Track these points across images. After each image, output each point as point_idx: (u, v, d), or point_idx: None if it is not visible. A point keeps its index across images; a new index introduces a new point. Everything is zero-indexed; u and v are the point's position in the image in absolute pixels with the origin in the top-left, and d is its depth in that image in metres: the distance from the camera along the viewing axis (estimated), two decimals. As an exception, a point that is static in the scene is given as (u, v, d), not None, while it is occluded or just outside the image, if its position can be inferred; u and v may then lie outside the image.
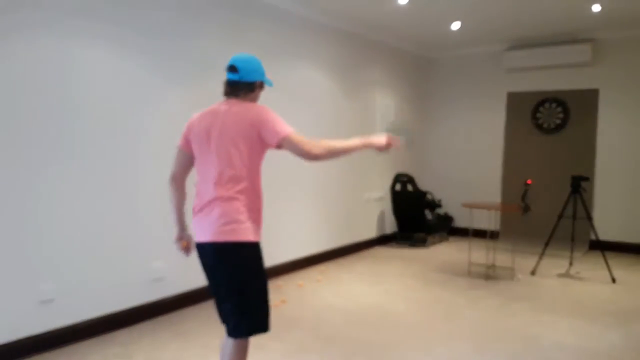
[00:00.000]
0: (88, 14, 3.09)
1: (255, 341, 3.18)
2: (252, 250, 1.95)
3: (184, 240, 2.33)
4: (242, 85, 2.03)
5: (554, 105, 6.18)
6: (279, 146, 1.92)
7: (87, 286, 3.17)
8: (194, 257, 3.99)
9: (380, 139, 2.03)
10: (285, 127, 1.91)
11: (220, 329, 3.35)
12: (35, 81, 2.86)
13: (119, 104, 3.30)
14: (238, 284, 1.96)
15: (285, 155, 5.04)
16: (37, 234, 2.91)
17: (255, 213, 1.99)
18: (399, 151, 2.01)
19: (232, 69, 2.03)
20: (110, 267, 3.30)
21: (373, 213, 6.17)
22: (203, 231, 1.98)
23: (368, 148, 2.03)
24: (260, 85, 2.12)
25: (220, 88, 4.15)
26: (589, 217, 4.76)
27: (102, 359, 2.87)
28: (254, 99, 2.11)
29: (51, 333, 2.98)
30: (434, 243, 6.35)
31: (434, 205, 6.52)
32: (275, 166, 4.65)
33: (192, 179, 2.20)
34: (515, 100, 6.49)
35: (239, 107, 1.99)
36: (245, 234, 1.92)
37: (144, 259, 3.51)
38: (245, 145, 1.92)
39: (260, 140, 1.94)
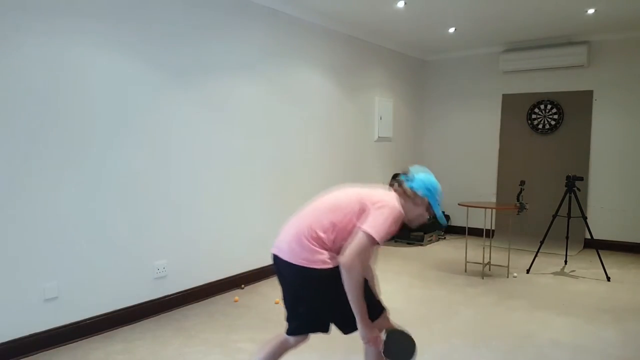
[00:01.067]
0: (91, 16, 3.12)
1: (257, 336, 3.24)
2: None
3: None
4: (412, 191, 2.08)
5: (549, 106, 6.26)
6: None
7: (90, 284, 3.21)
8: (194, 255, 4.05)
9: (372, 334, 1.94)
10: (375, 230, 1.91)
11: (221, 325, 3.40)
12: (37, 82, 2.89)
13: (121, 105, 3.34)
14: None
15: (286, 156, 5.11)
16: (41, 233, 2.94)
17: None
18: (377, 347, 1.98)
19: (406, 173, 2.14)
20: (113, 265, 3.34)
21: (371, 212, 6.22)
22: None
23: (360, 326, 1.93)
24: (423, 204, 2.09)
25: (221, 90, 4.22)
26: (584, 216, 4.83)
27: (105, 356, 2.90)
28: (410, 210, 2.09)
29: (55, 330, 3.02)
30: (431, 241, 6.41)
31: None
32: (277, 167, 4.70)
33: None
34: (510, 102, 6.56)
35: (384, 195, 2.03)
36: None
37: (146, 257, 3.55)
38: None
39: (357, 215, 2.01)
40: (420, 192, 2.07)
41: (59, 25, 2.96)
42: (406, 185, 2.10)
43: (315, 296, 2.02)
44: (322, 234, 1.99)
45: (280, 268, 2.11)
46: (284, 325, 3.41)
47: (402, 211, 2.02)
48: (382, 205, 1.97)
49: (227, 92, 4.12)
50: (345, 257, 1.88)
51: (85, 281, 3.18)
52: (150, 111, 3.52)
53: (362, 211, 1.98)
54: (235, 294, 4.12)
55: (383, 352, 1.98)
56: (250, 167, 4.39)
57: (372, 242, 1.90)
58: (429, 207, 2.10)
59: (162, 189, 3.64)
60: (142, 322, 3.47)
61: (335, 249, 2.01)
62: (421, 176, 2.11)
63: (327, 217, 2.01)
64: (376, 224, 1.92)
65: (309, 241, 1.99)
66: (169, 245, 3.72)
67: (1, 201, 2.76)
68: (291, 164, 4.88)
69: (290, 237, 2.05)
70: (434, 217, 2.13)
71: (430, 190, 2.08)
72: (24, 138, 2.84)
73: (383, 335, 1.96)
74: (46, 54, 2.91)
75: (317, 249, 1.98)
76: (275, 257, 2.10)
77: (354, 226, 1.97)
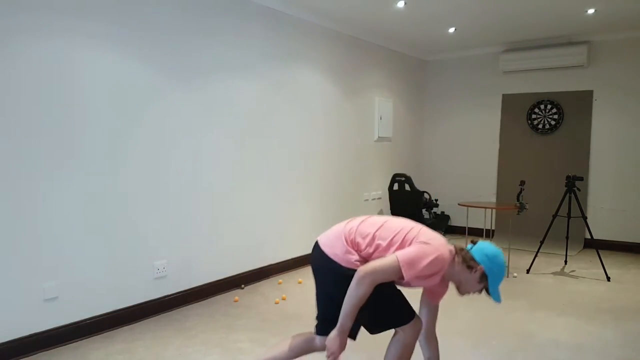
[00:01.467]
0: (91, 17, 3.12)
1: (257, 336, 3.24)
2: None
3: None
4: (470, 256, 2.02)
5: (549, 106, 6.26)
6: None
7: (90, 284, 3.21)
8: (194, 255, 4.05)
9: (341, 344, 1.94)
10: (407, 262, 1.88)
11: (221, 326, 3.41)
12: (36, 83, 2.89)
13: (120, 105, 3.34)
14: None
15: (286, 156, 5.10)
16: (41, 233, 2.94)
17: None
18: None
19: (473, 242, 2.09)
20: (113, 265, 3.34)
21: (371, 212, 6.23)
22: None
23: (336, 331, 1.93)
24: (478, 271, 1.98)
25: (221, 91, 4.23)
26: (584, 216, 4.83)
27: (106, 356, 2.91)
28: (461, 274, 2.01)
29: (55, 330, 3.02)
30: (430, 242, 6.39)
31: (430, 204, 6.59)
32: (277, 167, 4.70)
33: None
34: (510, 102, 6.56)
35: (437, 239, 1.99)
36: None
37: (146, 257, 3.55)
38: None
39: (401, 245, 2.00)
40: (477, 258, 1.99)
41: (59, 26, 2.95)
42: (467, 253, 2.04)
43: (341, 294, 2.00)
44: (360, 240, 2.03)
45: (313, 259, 2.15)
46: (284, 325, 3.42)
47: (446, 263, 1.94)
48: (426, 242, 1.93)
49: (227, 92, 4.12)
50: (363, 267, 1.90)
51: (85, 281, 3.18)
52: (150, 112, 3.52)
53: (406, 241, 1.97)
54: (236, 294, 4.12)
55: None
56: (250, 167, 4.39)
57: (397, 270, 1.87)
58: (484, 277, 1.99)
59: (162, 189, 3.64)
60: (142, 322, 3.47)
61: (365, 257, 2.03)
62: (485, 245, 2.03)
63: (373, 230, 2.04)
64: (410, 255, 1.89)
65: (346, 241, 2.04)
66: (169, 245, 3.72)
67: (1, 201, 2.76)
68: (292, 164, 4.88)
69: (334, 233, 2.11)
70: (485, 289, 2.02)
71: (489, 258, 1.98)
72: (24, 138, 2.84)
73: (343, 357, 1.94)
74: (46, 55, 2.91)
75: (350, 249, 2.02)
76: (316, 245, 2.15)
77: (394, 251, 1.97)
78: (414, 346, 2.09)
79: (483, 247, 2.02)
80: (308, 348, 2.22)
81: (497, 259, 1.99)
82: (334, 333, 1.94)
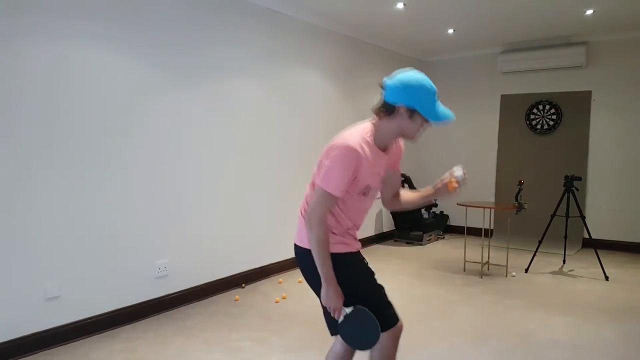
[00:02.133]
0: (90, 15, 3.13)
1: (258, 335, 3.25)
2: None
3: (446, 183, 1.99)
4: (381, 105, 1.77)
5: (547, 106, 6.28)
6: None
7: (91, 283, 3.23)
8: (196, 254, 4.06)
9: (337, 298, 1.78)
10: (325, 181, 1.71)
11: (222, 324, 3.42)
12: (38, 84, 2.90)
13: (121, 105, 3.35)
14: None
15: (286, 156, 5.11)
16: (42, 232, 2.96)
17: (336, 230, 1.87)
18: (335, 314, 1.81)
19: (381, 85, 1.77)
20: (115, 264, 3.36)
21: (371, 212, 6.25)
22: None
23: (325, 287, 1.77)
24: (409, 113, 1.70)
25: (222, 91, 4.24)
26: (582, 216, 4.85)
27: (107, 355, 2.92)
28: (399, 130, 1.77)
29: (57, 329, 3.04)
30: (430, 241, 6.43)
31: (430, 204, 6.61)
32: (277, 167, 4.71)
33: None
34: (509, 102, 6.58)
35: (342, 135, 1.79)
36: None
37: (148, 256, 3.57)
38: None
39: None
40: (393, 100, 1.70)
41: (62, 27, 2.97)
42: (382, 103, 1.76)
43: (312, 284, 1.88)
44: None
45: (295, 258, 1.96)
46: (284, 324, 3.44)
47: (358, 145, 1.71)
48: (331, 150, 1.74)
49: (228, 92, 4.14)
50: (306, 212, 1.76)
51: (86, 280, 3.20)
52: (152, 112, 3.54)
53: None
54: (236, 293, 4.14)
55: (339, 328, 1.83)
56: (251, 167, 4.41)
57: (328, 194, 1.71)
58: (413, 112, 1.69)
59: (163, 188, 3.66)
60: (143, 321, 3.48)
61: (336, 225, 1.83)
62: (390, 80, 1.72)
63: (312, 183, 1.85)
64: (325, 174, 1.72)
65: (302, 216, 1.86)
66: (170, 244, 3.73)
67: (3, 201, 2.77)
68: (292, 163, 4.90)
69: (299, 219, 1.92)
70: (425, 121, 1.71)
71: (398, 93, 1.68)
72: (26, 138, 2.85)
73: (348, 310, 1.79)
74: (50, 56, 2.92)
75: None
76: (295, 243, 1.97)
77: None
78: (395, 352, 1.96)
79: (390, 86, 1.71)
80: (343, 352, 2.07)
81: (410, 86, 1.66)
82: (324, 289, 1.77)
